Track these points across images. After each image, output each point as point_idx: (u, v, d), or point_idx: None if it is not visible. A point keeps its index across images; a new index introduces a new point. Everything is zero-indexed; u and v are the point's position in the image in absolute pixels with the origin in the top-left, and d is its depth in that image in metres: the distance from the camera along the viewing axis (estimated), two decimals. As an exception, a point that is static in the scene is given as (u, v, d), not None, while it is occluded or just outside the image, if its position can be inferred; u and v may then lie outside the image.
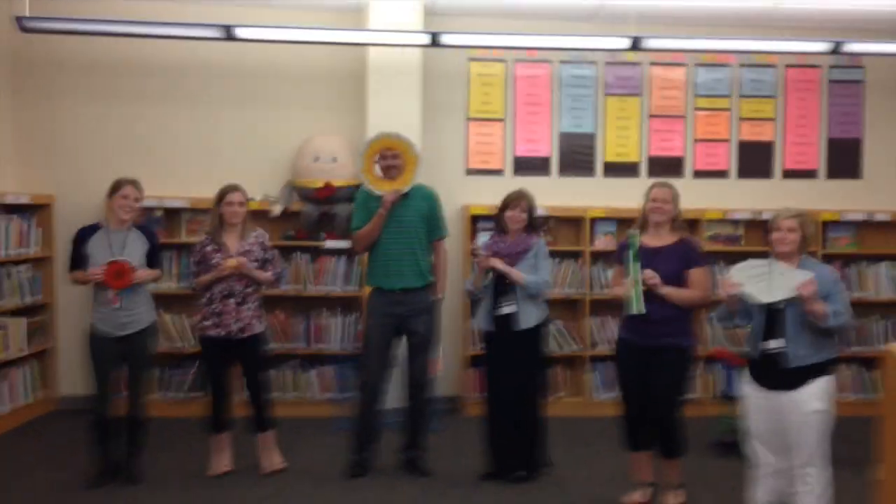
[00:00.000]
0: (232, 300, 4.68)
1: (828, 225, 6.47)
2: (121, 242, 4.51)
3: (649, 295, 4.17)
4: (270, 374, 5.40)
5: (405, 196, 4.80)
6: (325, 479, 4.79)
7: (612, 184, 6.59)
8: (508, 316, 4.62)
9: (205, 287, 4.70)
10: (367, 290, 5.00)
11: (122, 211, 4.51)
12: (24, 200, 5.82)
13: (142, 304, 4.57)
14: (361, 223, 4.83)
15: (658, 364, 4.20)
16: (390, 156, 4.83)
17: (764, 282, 3.71)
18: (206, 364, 4.83)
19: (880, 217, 6.50)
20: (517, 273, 4.58)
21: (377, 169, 4.90)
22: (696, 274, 4.21)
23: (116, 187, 4.54)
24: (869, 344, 6.47)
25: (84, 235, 4.53)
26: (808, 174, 6.74)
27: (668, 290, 4.15)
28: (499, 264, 4.59)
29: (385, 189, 4.79)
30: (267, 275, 4.75)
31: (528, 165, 6.58)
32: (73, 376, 5.98)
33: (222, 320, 4.68)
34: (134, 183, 4.57)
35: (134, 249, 4.53)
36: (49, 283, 6.07)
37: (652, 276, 4.14)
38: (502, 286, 4.65)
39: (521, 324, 4.62)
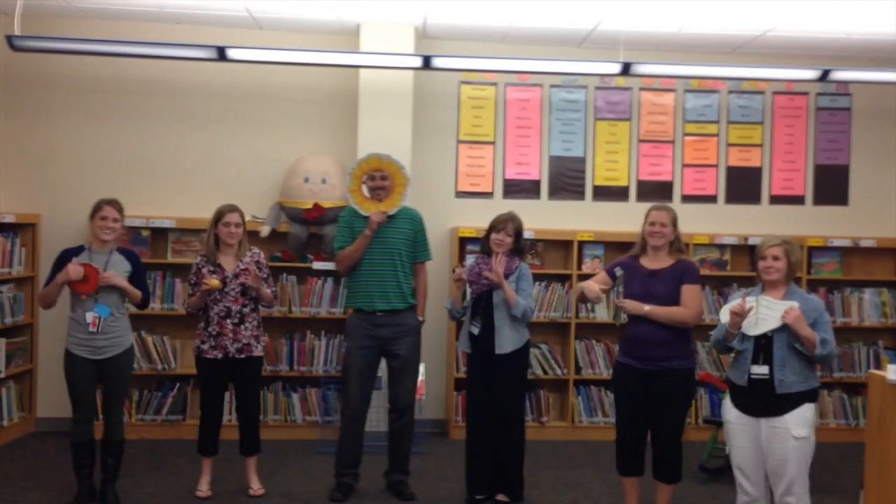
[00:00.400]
0: (229, 321, 4.66)
1: (813, 251, 6.50)
2: (102, 264, 4.46)
3: (648, 318, 4.17)
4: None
5: (391, 217, 4.80)
6: (307, 502, 4.74)
7: (602, 207, 6.61)
8: (488, 339, 4.59)
9: (198, 308, 4.69)
10: (349, 311, 4.98)
11: (102, 232, 4.46)
12: (9, 219, 5.77)
13: (120, 327, 4.51)
14: (346, 243, 4.82)
15: (661, 388, 4.19)
16: (379, 177, 4.83)
17: (752, 315, 3.72)
18: (202, 386, 4.79)
19: (865, 243, 6.53)
20: (509, 288, 4.56)
21: (365, 189, 4.90)
22: (688, 290, 4.20)
23: (96, 208, 4.49)
24: (853, 370, 6.49)
25: (67, 257, 4.47)
26: (795, 200, 6.78)
27: (651, 309, 4.14)
28: (495, 277, 4.53)
29: (371, 210, 4.78)
30: (268, 291, 4.73)
31: (518, 188, 6.59)
32: (53, 398, 5.92)
33: (220, 342, 4.66)
34: (113, 203, 4.51)
35: (117, 272, 4.47)
36: (32, 303, 6.01)
37: (621, 302, 4.18)
38: (477, 307, 4.64)
39: (498, 348, 4.59)
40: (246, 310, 4.70)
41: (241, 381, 4.77)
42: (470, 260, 4.87)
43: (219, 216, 4.71)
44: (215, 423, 4.78)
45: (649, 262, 4.30)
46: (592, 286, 4.28)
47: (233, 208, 4.73)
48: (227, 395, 5.04)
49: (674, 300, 4.17)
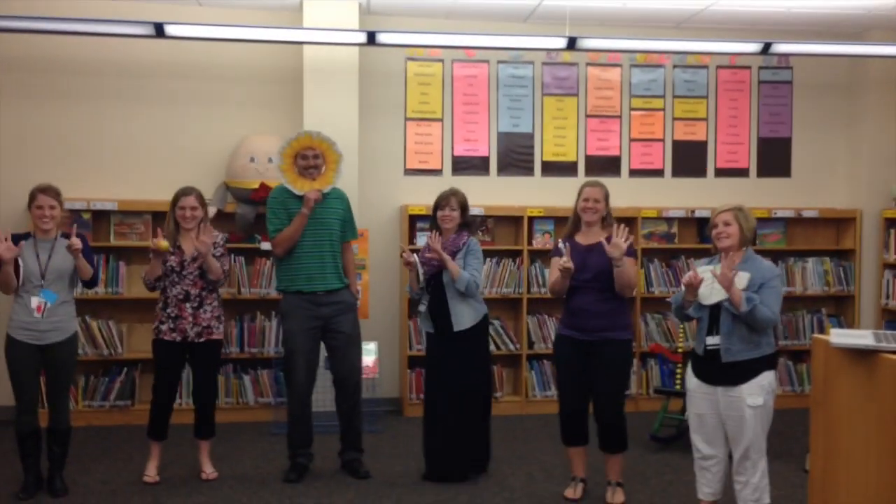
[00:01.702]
0: (188, 305, 4.58)
1: (758, 222, 6.58)
2: (48, 251, 4.35)
3: (586, 290, 4.26)
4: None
5: (324, 196, 4.74)
6: (261, 484, 4.71)
7: (551, 183, 6.63)
8: (445, 317, 4.61)
9: (155, 277, 4.59)
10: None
11: (40, 222, 4.34)
12: (-57, 203, 5.59)
13: (65, 312, 4.40)
14: (281, 225, 4.72)
15: (600, 359, 4.28)
16: (311, 155, 4.75)
17: (707, 285, 3.77)
18: (158, 368, 4.70)
19: (808, 214, 6.68)
20: (452, 263, 4.56)
21: (296, 168, 4.80)
22: (629, 262, 4.28)
23: (31, 198, 4.36)
24: (797, 337, 6.65)
25: (14, 242, 4.32)
26: (740, 172, 6.89)
27: (627, 260, 4.18)
28: (435, 255, 4.54)
29: (305, 188, 4.70)
30: (217, 264, 4.60)
31: (467, 165, 6.58)
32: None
33: (178, 325, 4.58)
34: (47, 190, 4.36)
35: (63, 258, 4.36)
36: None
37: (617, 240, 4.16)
38: (435, 286, 4.65)
39: (455, 325, 4.62)
40: (205, 293, 4.62)
41: (199, 363, 4.70)
42: (422, 239, 4.86)
43: (175, 199, 4.62)
44: (167, 406, 4.70)
45: (583, 238, 4.37)
46: (559, 266, 4.25)
47: (188, 191, 4.63)
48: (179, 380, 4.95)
49: (608, 274, 4.22)
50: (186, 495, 4.51)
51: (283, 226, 4.72)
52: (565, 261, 4.19)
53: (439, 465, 4.73)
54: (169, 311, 4.59)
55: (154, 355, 4.71)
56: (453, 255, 4.62)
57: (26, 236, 4.40)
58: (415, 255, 4.67)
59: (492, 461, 4.89)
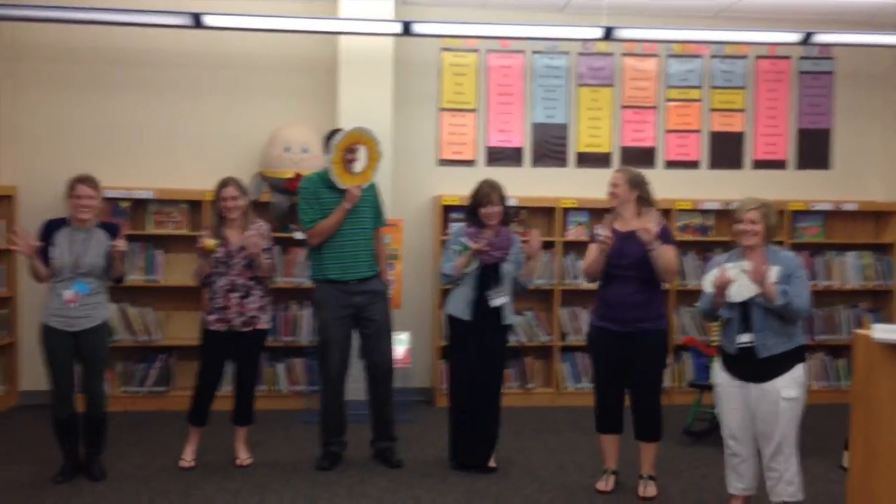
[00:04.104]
0: (235, 294, 4.65)
1: (796, 215, 6.53)
2: (83, 241, 4.41)
3: (622, 279, 4.25)
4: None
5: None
6: (294, 471, 4.75)
7: (585, 174, 6.58)
8: (490, 310, 4.61)
9: (203, 274, 4.67)
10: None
11: (79, 211, 4.40)
12: (-15, 191, 5.70)
13: (97, 300, 4.46)
14: (316, 216, 4.76)
15: (636, 349, 4.27)
16: (356, 149, 4.82)
17: (735, 282, 3.74)
18: (204, 356, 4.77)
19: (848, 207, 6.57)
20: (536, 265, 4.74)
21: (344, 162, 4.84)
22: (669, 249, 4.26)
23: (70, 187, 4.42)
24: (836, 332, 6.55)
25: (50, 229, 4.41)
26: (778, 164, 6.79)
27: (660, 246, 4.16)
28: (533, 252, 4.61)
29: (349, 183, 4.76)
30: (269, 261, 4.70)
31: (501, 156, 6.56)
32: (35, 371, 5.83)
33: (225, 315, 4.65)
34: (86, 180, 4.42)
35: (97, 248, 4.42)
36: (12, 276, 5.94)
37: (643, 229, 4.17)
38: (489, 277, 4.62)
39: (508, 318, 4.66)
40: (252, 283, 4.69)
41: (243, 352, 4.76)
42: (454, 228, 4.84)
43: (216, 191, 4.69)
44: (210, 393, 4.76)
45: (622, 225, 4.35)
46: (598, 239, 4.26)
47: (227, 182, 4.70)
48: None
49: (647, 261, 4.20)
50: (220, 481, 4.57)
51: (317, 217, 4.76)
52: (602, 232, 4.21)
53: (465, 452, 4.74)
54: (215, 301, 4.66)
55: (202, 343, 4.78)
56: (504, 251, 4.63)
57: (62, 222, 4.45)
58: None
59: (520, 451, 4.87)
